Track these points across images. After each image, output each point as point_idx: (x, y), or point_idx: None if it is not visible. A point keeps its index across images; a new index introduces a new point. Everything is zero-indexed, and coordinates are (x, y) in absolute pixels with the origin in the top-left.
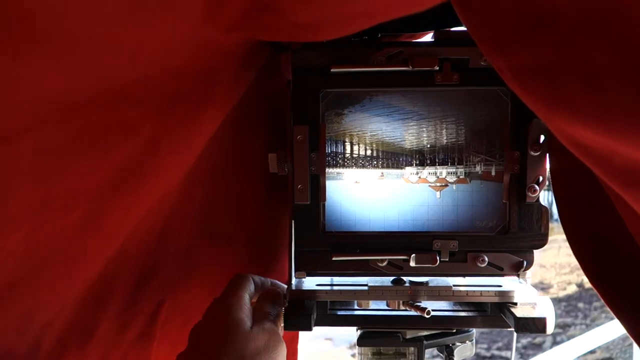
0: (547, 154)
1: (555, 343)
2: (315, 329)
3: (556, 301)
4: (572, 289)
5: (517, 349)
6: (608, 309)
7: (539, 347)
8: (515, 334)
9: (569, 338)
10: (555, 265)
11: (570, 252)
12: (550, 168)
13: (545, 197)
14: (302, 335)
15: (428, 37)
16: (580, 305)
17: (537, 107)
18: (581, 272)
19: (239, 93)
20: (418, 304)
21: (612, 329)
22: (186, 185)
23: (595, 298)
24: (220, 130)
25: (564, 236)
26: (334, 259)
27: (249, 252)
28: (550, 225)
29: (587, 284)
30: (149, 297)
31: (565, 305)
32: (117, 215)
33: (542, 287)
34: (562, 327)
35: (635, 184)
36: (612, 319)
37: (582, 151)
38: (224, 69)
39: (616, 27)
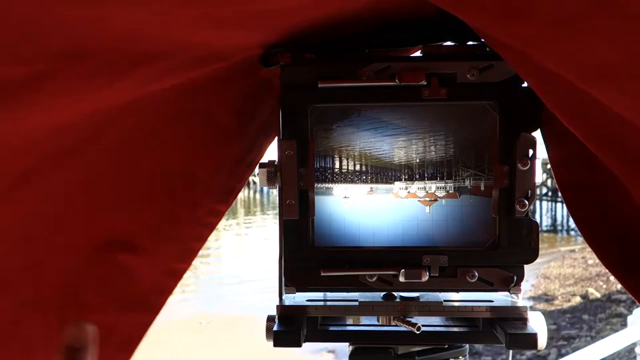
0: (541, 157)
1: (560, 355)
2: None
3: (561, 313)
4: (576, 300)
5: None
6: (613, 321)
7: None
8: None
9: (573, 350)
10: (560, 276)
11: (574, 263)
12: (549, 159)
13: (549, 207)
14: (305, 348)
15: (419, 53)
16: (585, 317)
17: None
18: (585, 283)
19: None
20: (409, 319)
21: (617, 341)
22: None
23: (599, 310)
24: None
25: (567, 247)
26: (322, 274)
27: None
28: (553, 236)
29: (592, 295)
30: None
31: (570, 317)
32: None
33: (546, 298)
34: (566, 339)
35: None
36: (617, 330)
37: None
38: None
39: None
